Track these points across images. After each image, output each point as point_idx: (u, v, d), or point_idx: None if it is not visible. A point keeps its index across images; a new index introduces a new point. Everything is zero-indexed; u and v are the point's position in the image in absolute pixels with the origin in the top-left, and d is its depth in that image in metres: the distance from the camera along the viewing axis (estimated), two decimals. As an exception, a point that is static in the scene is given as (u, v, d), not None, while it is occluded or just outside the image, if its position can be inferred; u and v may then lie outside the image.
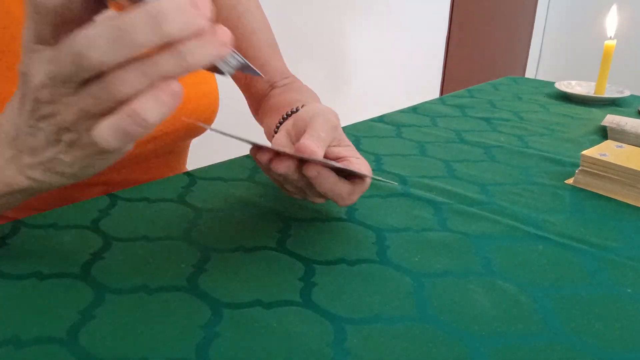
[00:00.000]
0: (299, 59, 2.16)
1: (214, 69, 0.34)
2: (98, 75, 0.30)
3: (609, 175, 0.56)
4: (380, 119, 0.83)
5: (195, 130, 0.65)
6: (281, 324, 0.36)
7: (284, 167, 0.42)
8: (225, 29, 0.30)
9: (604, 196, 0.57)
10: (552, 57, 3.51)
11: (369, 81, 2.58)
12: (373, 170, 0.62)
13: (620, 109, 0.92)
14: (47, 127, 0.34)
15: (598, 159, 0.57)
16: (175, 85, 0.29)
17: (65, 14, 0.31)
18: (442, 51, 3.00)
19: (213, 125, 0.63)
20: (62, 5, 0.30)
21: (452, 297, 0.39)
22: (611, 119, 0.79)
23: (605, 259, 0.45)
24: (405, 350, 0.34)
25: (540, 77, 3.56)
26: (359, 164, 0.46)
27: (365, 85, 2.56)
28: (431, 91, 3.02)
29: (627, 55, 3.11)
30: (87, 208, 0.50)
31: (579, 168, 0.59)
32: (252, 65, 0.35)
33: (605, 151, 0.59)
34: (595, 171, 0.57)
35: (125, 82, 0.29)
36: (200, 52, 0.29)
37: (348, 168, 0.42)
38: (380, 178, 0.46)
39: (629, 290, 0.41)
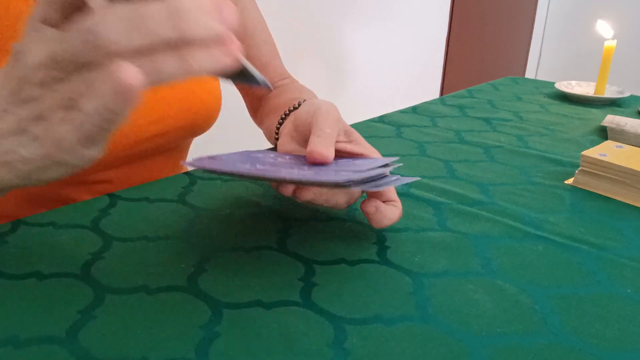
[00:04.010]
0: (299, 59, 2.16)
1: (236, 76, 0.34)
2: (92, 64, 0.30)
3: (609, 175, 0.56)
4: (380, 119, 0.83)
5: (196, 129, 0.65)
6: (281, 324, 0.36)
7: (309, 195, 0.43)
8: (237, 42, 0.30)
9: (604, 196, 0.57)
10: (552, 57, 3.51)
11: (369, 81, 2.58)
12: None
13: (620, 109, 0.92)
14: (22, 112, 0.32)
15: (598, 159, 0.57)
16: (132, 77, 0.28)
17: None
18: (442, 51, 3.00)
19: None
20: None
21: (452, 297, 0.39)
22: (611, 119, 0.79)
23: (605, 259, 0.45)
24: (405, 350, 0.34)
25: (540, 77, 3.56)
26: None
27: (365, 85, 2.56)
28: (431, 91, 3.02)
29: (627, 55, 3.11)
30: (87, 208, 0.50)
31: (579, 168, 0.59)
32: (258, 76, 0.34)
33: (605, 151, 0.59)
34: (595, 171, 0.57)
35: (127, 72, 0.28)
36: (206, 60, 0.28)
37: (377, 187, 0.41)
38: (400, 180, 0.45)
39: (628, 291, 0.41)
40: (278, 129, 0.55)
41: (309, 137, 0.47)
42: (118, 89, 0.28)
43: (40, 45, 0.30)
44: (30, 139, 0.32)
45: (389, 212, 0.45)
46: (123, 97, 0.28)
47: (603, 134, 0.78)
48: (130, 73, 0.28)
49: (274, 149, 0.59)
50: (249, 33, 0.70)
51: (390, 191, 0.46)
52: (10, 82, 0.32)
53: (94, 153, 0.33)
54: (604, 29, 0.99)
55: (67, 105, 0.31)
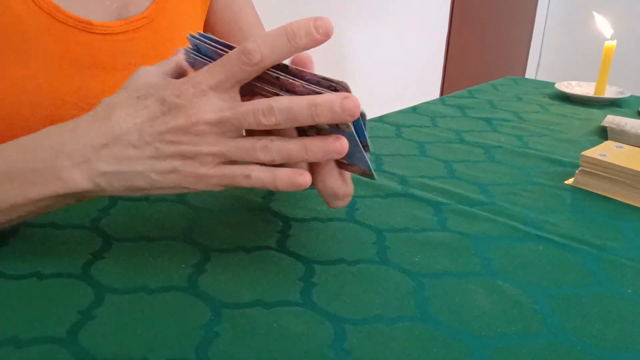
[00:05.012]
0: (299, 59, 2.15)
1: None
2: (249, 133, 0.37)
3: (609, 175, 0.56)
4: (380, 119, 0.83)
5: None
6: (281, 324, 0.36)
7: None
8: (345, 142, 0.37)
9: (604, 196, 0.57)
10: (552, 58, 3.51)
11: (369, 81, 2.58)
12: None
13: (620, 109, 0.92)
14: (168, 149, 0.36)
15: (598, 160, 0.57)
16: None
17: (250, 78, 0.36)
18: (442, 51, 3.00)
19: None
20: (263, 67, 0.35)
21: (452, 297, 0.39)
22: (611, 120, 0.79)
23: (605, 259, 0.45)
24: (405, 350, 0.34)
25: (540, 78, 3.56)
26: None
27: (366, 85, 2.56)
28: (431, 91, 3.02)
29: (627, 55, 3.11)
30: (87, 208, 0.50)
31: (579, 168, 0.59)
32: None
33: (605, 152, 0.59)
34: (595, 172, 0.57)
35: (270, 152, 0.36)
36: (321, 151, 0.35)
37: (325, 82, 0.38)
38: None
39: (629, 291, 0.41)
40: None
41: None
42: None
43: (208, 108, 0.35)
44: (168, 169, 0.37)
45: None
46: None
47: (603, 134, 0.78)
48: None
49: None
50: (245, 35, 0.70)
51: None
52: (166, 123, 0.36)
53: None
54: (603, 24, 0.99)
55: (220, 158, 0.37)
